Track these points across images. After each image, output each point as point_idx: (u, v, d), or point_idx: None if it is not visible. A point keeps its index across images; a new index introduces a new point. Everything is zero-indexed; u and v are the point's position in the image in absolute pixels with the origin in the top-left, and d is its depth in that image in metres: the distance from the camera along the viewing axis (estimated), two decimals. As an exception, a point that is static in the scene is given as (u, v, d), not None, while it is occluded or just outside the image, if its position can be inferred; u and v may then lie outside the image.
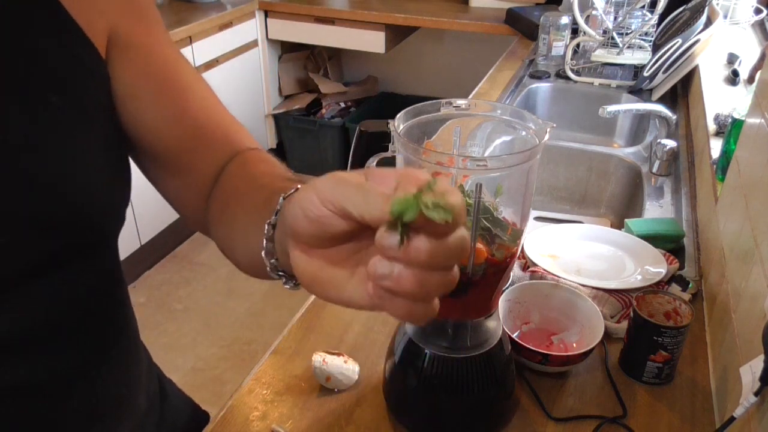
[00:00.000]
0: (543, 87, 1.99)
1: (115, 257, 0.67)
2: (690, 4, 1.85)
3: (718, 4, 1.91)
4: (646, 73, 1.79)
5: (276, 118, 3.42)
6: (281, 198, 0.48)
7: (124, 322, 0.70)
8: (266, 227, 0.49)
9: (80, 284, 0.60)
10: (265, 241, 0.49)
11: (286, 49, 3.39)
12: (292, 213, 0.42)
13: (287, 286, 0.52)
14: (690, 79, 1.83)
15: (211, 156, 0.66)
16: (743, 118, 1.05)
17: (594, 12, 1.93)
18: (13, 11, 0.52)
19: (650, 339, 0.82)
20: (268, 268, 0.51)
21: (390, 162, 0.69)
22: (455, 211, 0.36)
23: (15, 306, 0.54)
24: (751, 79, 1.61)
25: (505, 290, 0.90)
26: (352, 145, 0.67)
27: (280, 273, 0.51)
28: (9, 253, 0.52)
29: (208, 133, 0.66)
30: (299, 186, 0.49)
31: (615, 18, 1.90)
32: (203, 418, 0.90)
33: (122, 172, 0.62)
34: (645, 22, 1.87)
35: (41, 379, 0.59)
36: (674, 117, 1.60)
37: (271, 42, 3.23)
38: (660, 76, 1.77)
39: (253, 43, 3.11)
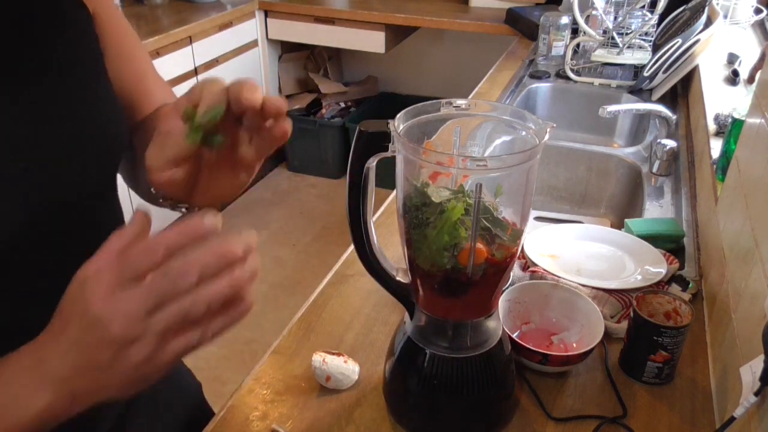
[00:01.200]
0: (543, 87, 1.98)
1: (120, 211, 0.78)
2: (690, 4, 1.85)
3: (718, 4, 1.91)
4: (646, 73, 1.79)
5: (276, 118, 3.41)
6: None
7: None
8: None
9: (94, 229, 0.67)
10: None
11: (286, 49, 3.39)
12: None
13: (177, 212, 0.67)
14: (690, 79, 1.83)
15: (146, 109, 0.80)
16: (743, 118, 1.05)
17: (594, 12, 1.93)
18: None
19: (650, 339, 0.82)
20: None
21: (390, 162, 0.69)
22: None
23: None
24: (751, 79, 1.61)
25: (505, 290, 0.90)
26: (352, 145, 0.67)
27: (176, 205, 0.67)
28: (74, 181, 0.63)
29: (150, 92, 0.81)
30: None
31: (615, 18, 1.90)
32: (197, 383, 0.96)
33: (120, 106, 0.73)
34: (645, 22, 1.87)
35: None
36: (674, 117, 1.60)
37: (271, 42, 3.23)
38: (660, 76, 1.77)
39: (253, 43, 3.11)
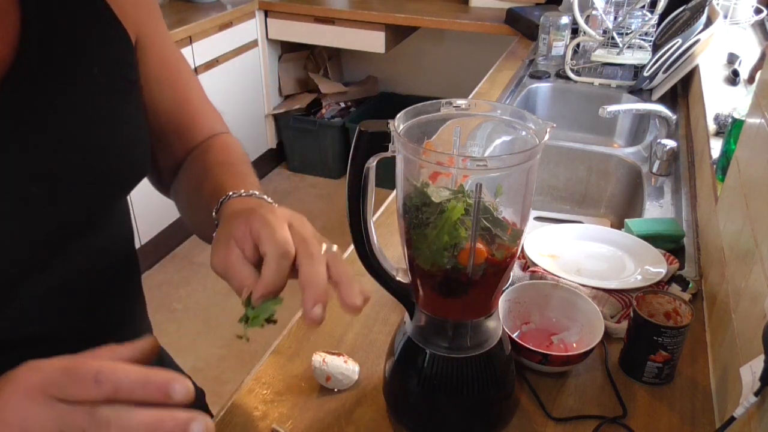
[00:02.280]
0: (543, 87, 1.98)
1: (130, 229, 0.79)
2: (690, 4, 1.85)
3: (718, 4, 1.91)
4: (646, 73, 1.79)
5: (276, 118, 3.42)
6: (214, 212, 0.67)
7: (136, 298, 0.83)
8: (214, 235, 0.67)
9: (102, 247, 0.71)
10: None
11: (286, 49, 3.39)
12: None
13: None
14: (690, 79, 1.83)
15: (193, 137, 0.80)
16: (743, 118, 1.05)
17: (594, 12, 1.93)
18: (66, 6, 0.63)
19: (650, 339, 0.82)
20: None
21: (390, 162, 0.69)
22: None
23: (62, 264, 0.64)
24: (751, 79, 1.61)
25: (505, 290, 0.90)
26: (352, 145, 0.67)
27: None
28: (68, 203, 0.63)
29: (196, 118, 0.81)
30: (227, 195, 0.67)
31: (615, 18, 1.90)
32: (200, 391, 0.96)
33: (146, 135, 0.73)
34: (645, 22, 1.87)
35: (60, 335, 0.65)
36: (674, 117, 1.60)
37: (271, 42, 3.23)
38: (660, 76, 1.77)
39: (253, 43, 3.11)
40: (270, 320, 0.58)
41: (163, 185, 0.84)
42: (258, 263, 0.59)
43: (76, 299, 0.68)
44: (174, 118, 0.78)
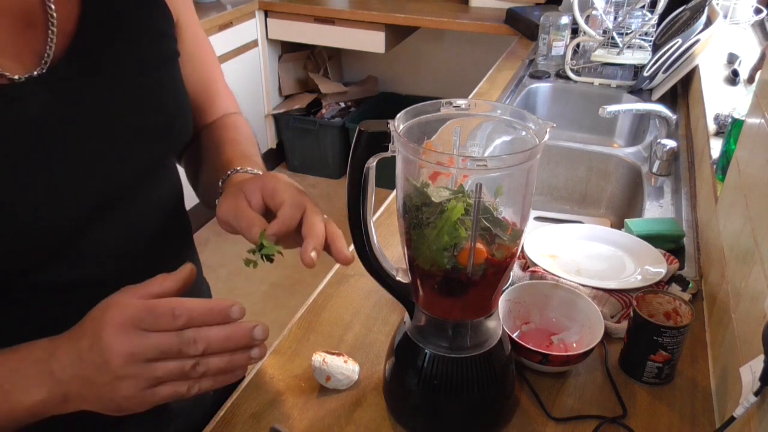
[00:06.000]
0: (543, 87, 1.98)
1: (180, 187, 0.85)
2: (690, 4, 1.85)
3: (718, 4, 1.91)
4: (646, 73, 1.79)
5: (276, 118, 3.42)
6: (221, 182, 0.74)
7: (188, 251, 0.89)
8: (216, 201, 0.72)
9: (155, 202, 0.77)
10: (217, 202, 0.73)
11: (286, 49, 3.39)
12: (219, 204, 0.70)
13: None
14: (690, 79, 1.83)
15: (211, 113, 0.89)
16: (743, 118, 1.05)
17: (594, 12, 1.93)
18: None
19: (650, 339, 0.82)
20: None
21: (390, 162, 0.69)
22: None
23: (126, 216, 0.71)
24: (751, 79, 1.61)
25: (505, 290, 0.90)
26: (352, 145, 0.67)
27: None
28: (131, 158, 0.70)
29: (216, 97, 0.89)
30: (235, 169, 0.75)
31: (615, 18, 1.90)
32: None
33: (188, 100, 0.80)
34: (645, 22, 1.87)
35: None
36: (674, 117, 1.60)
37: (271, 42, 3.23)
38: (660, 76, 1.77)
39: (253, 43, 3.11)
40: (272, 258, 0.65)
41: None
42: (262, 214, 0.66)
43: (132, 249, 0.73)
44: (199, 94, 0.86)
